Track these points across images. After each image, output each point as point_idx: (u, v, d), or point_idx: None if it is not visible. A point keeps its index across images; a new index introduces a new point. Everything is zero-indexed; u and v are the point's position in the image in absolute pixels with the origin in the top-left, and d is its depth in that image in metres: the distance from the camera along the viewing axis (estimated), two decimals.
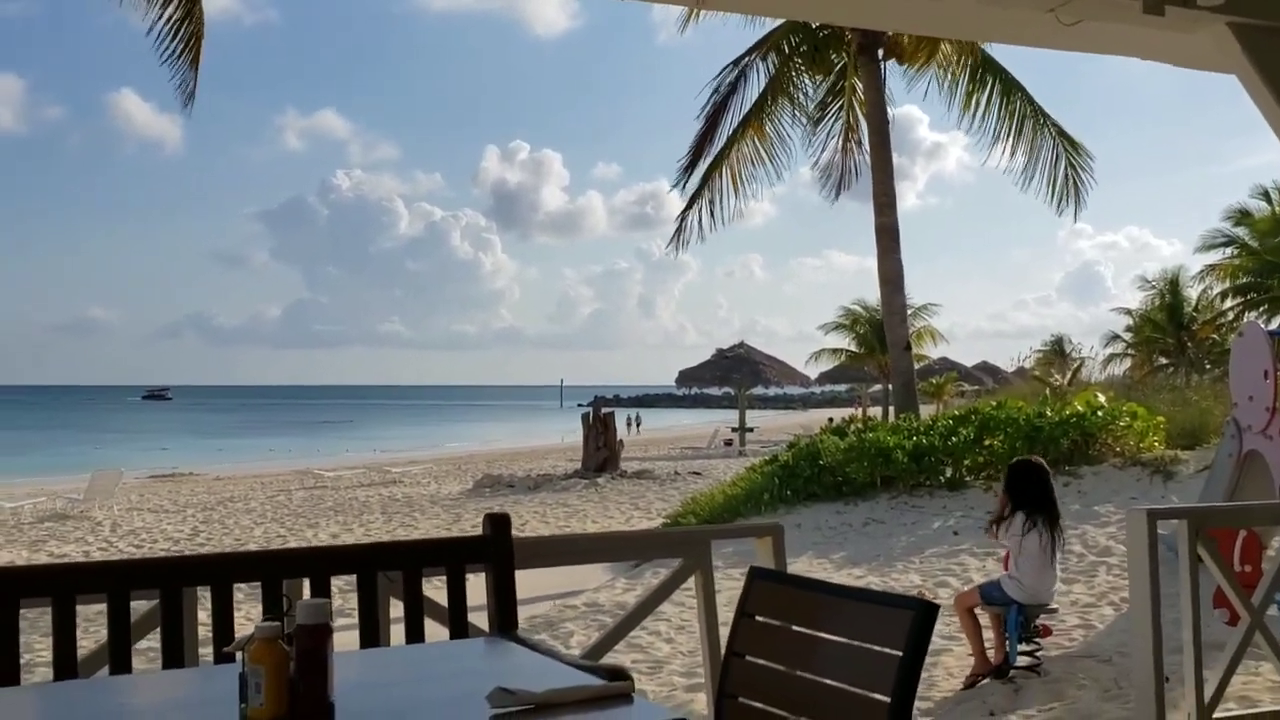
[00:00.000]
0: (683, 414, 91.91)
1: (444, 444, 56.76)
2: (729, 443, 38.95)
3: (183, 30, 12.07)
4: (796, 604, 2.80)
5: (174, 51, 12.10)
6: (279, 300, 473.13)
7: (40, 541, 17.72)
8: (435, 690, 2.53)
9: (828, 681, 2.60)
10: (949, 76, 20.55)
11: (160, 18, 11.94)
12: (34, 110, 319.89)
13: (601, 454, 26.73)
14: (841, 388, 61.02)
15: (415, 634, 3.44)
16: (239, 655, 2.25)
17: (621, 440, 28.63)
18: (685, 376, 41.54)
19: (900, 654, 2.45)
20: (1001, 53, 20.64)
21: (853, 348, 43.93)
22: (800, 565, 11.09)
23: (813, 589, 2.85)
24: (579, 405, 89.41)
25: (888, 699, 2.43)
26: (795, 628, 2.76)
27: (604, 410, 28.09)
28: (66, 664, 3.08)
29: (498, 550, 3.58)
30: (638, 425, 61.74)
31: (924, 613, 2.46)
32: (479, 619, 3.58)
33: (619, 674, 2.61)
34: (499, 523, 3.64)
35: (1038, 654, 6.96)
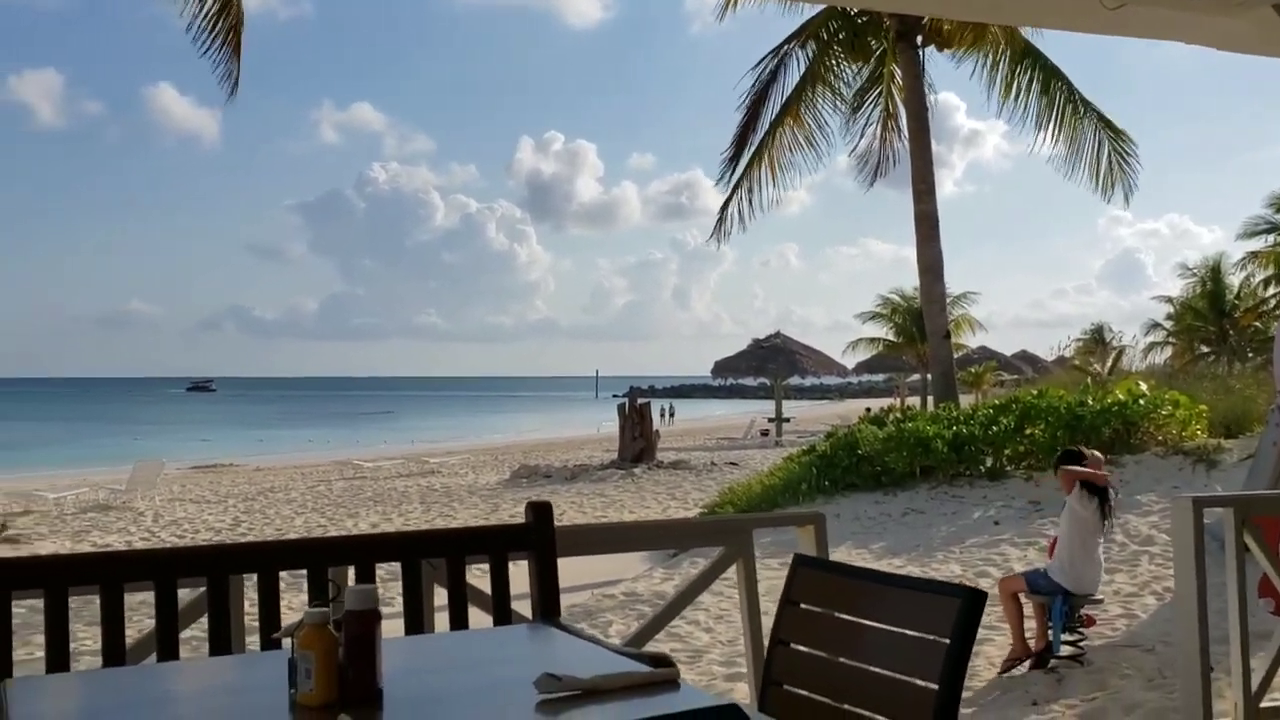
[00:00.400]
0: (718, 404, 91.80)
1: (481, 435, 57.02)
2: (765, 433, 38.87)
3: (221, 23, 12.15)
4: (841, 592, 2.79)
5: (213, 43, 12.19)
6: (317, 293, 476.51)
7: (83, 532, 17.93)
8: (481, 676, 2.54)
9: (873, 669, 2.59)
10: (988, 62, 20.39)
11: (199, 12, 12.05)
12: (73, 104, 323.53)
13: (638, 444, 26.74)
14: (879, 378, 60.73)
15: (459, 621, 3.45)
16: (288, 641, 2.27)
17: (657, 431, 28.61)
18: (721, 367, 41.48)
19: (948, 642, 2.43)
20: (1041, 39, 20.47)
21: (890, 337, 43.72)
22: (839, 555, 11.06)
23: (858, 576, 2.84)
24: (614, 396, 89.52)
25: (935, 687, 2.42)
26: (840, 615, 2.75)
27: (640, 401, 28.06)
28: (115, 651, 3.11)
29: (540, 538, 3.59)
30: (671, 416, 61.75)
31: (972, 600, 2.45)
32: (521, 606, 3.60)
33: (663, 661, 2.61)
34: (541, 511, 3.65)
35: (1081, 643, 6.92)
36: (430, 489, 23.45)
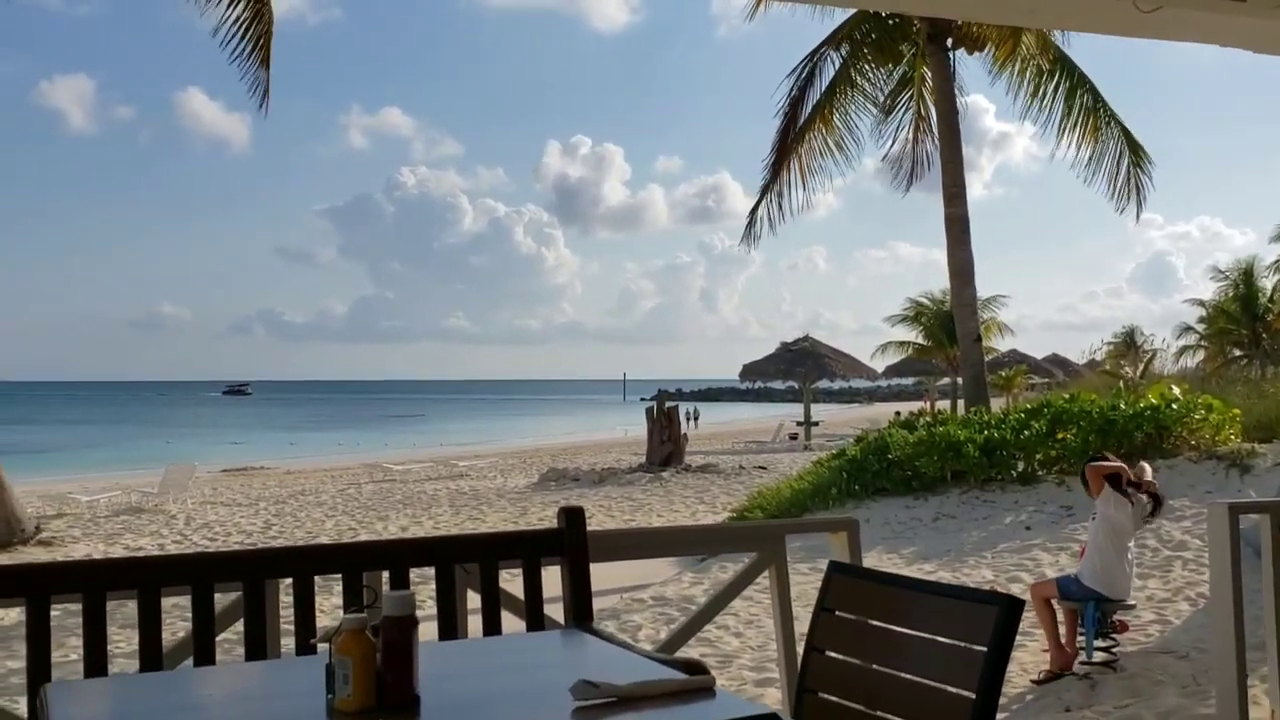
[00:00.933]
0: (746, 408, 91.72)
1: (508, 438, 57.13)
2: (794, 437, 38.79)
3: (251, 30, 12.17)
4: (876, 599, 2.78)
5: (243, 52, 12.21)
6: (346, 296, 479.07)
7: (116, 535, 18.05)
8: (517, 681, 2.55)
9: (909, 677, 2.59)
10: (1017, 65, 20.30)
11: (227, 19, 12.07)
12: (104, 110, 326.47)
13: (666, 448, 26.72)
14: (908, 381, 60.53)
15: (492, 626, 3.46)
16: (324, 646, 2.28)
17: (685, 434, 28.59)
18: (749, 370, 41.40)
19: (985, 650, 2.42)
20: (1069, 44, 20.38)
21: (920, 340, 43.54)
22: (869, 560, 11.00)
23: (893, 584, 2.83)
24: (641, 399, 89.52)
25: (972, 695, 2.41)
26: (875, 623, 2.75)
27: (667, 404, 28.05)
28: (152, 655, 3.14)
29: (573, 543, 3.59)
30: (695, 420, 61.62)
31: (1009, 608, 2.44)
32: (552, 611, 3.60)
33: (696, 667, 2.61)
34: (573, 516, 3.65)
35: (1114, 650, 6.87)
36: (459, 492, 23.50)
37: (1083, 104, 20.21)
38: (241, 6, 11.99)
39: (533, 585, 3.56)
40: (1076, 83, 20.18)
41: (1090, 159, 20.45)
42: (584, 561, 3.60)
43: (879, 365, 45.05)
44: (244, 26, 12.12)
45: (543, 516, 18.10)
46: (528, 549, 3.62)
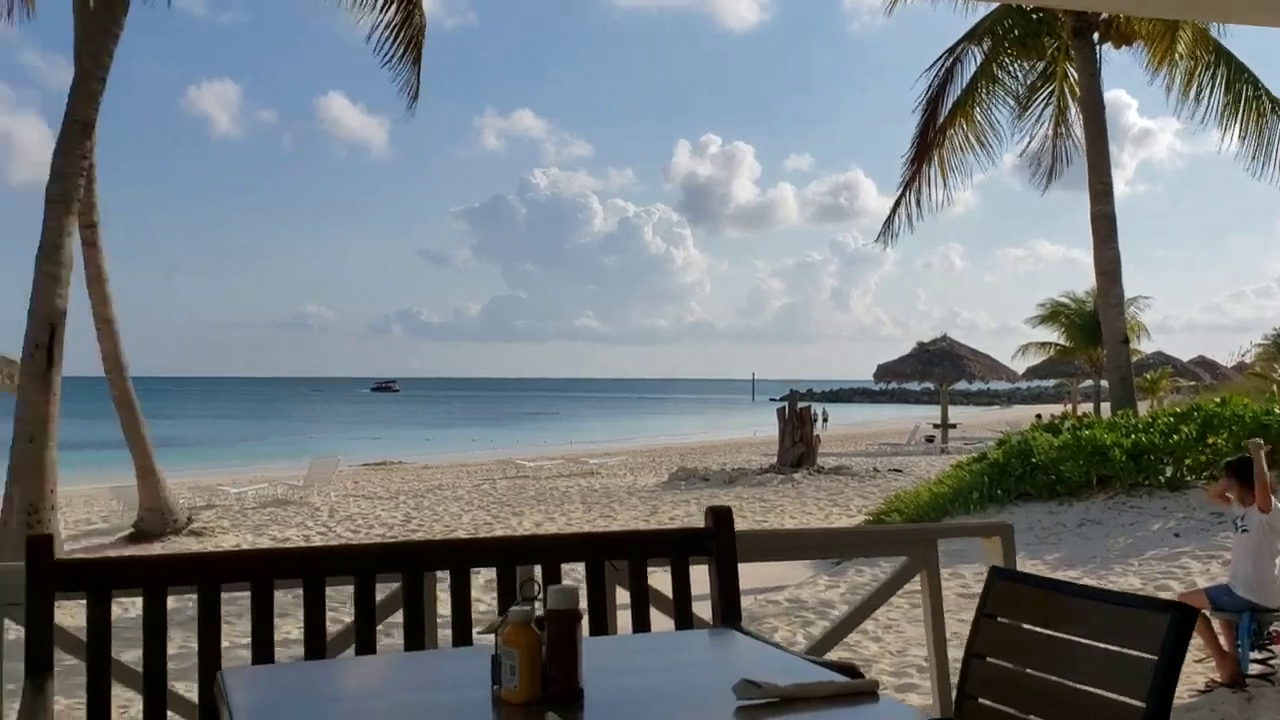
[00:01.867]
0: (878, 409, 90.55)
1: (637, 436, 57.36)
2: (930, 439, 38.15)
3: (402, 33, 12.54)
4: (1040, 605, 2.72)
5: (395, 54, 12.59)
6: (480, 296, 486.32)
7: (263, 526, 18.66)
8: (676, 679, 2.56)
9: (1075, 685, 2.53)
10: (1170, 58, 19.63)
11: (380, 23, 12.47)
12: (248, 115, 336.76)
13: (798, 449, 26.55)
14: (1049, 383, 58.92)
15: (641, 622, 3.49)
16: (492, 638, 2.32)
17: (818, 435, 28.36)
18: (884, 371, 40.84)
19: (1154, 659, 2.36)
20: (1225, 35, 19.63)
21: (1062, 341, 42.42)
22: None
23: (1057, 589, 2.77)
24: (770, 399, 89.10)
25: (1141, 704, 2.35)
26: (1039, 630, 2.69)
27: (800, 405, 27.87)
28: (316, 643, 3.24)
29: (721, 543, 3.61)
30: (824, 421, 61.04)
31: (1182, 617, 2.37)
32: (698, 609, 3.62)
33: (853, 672, 2.59)
34: (722, 516, 3.67)
35: (1271, 662, 6.61)
36: (590, 489, 23.71)
37: (1243, 94, 19.45)
38: (393, 10, 12.37)
39: (681, 583, 3.58)
40: (1235, 73, 19.44)
41: (1257, 150, 19.66)
42: (732, 561, 3.61)
43: (1019, 366, 44.04)
44: (395, 30, 12.51)
45: (673, 515, 18.14)
46: (676, 548, 3.64)
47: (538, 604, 2.34)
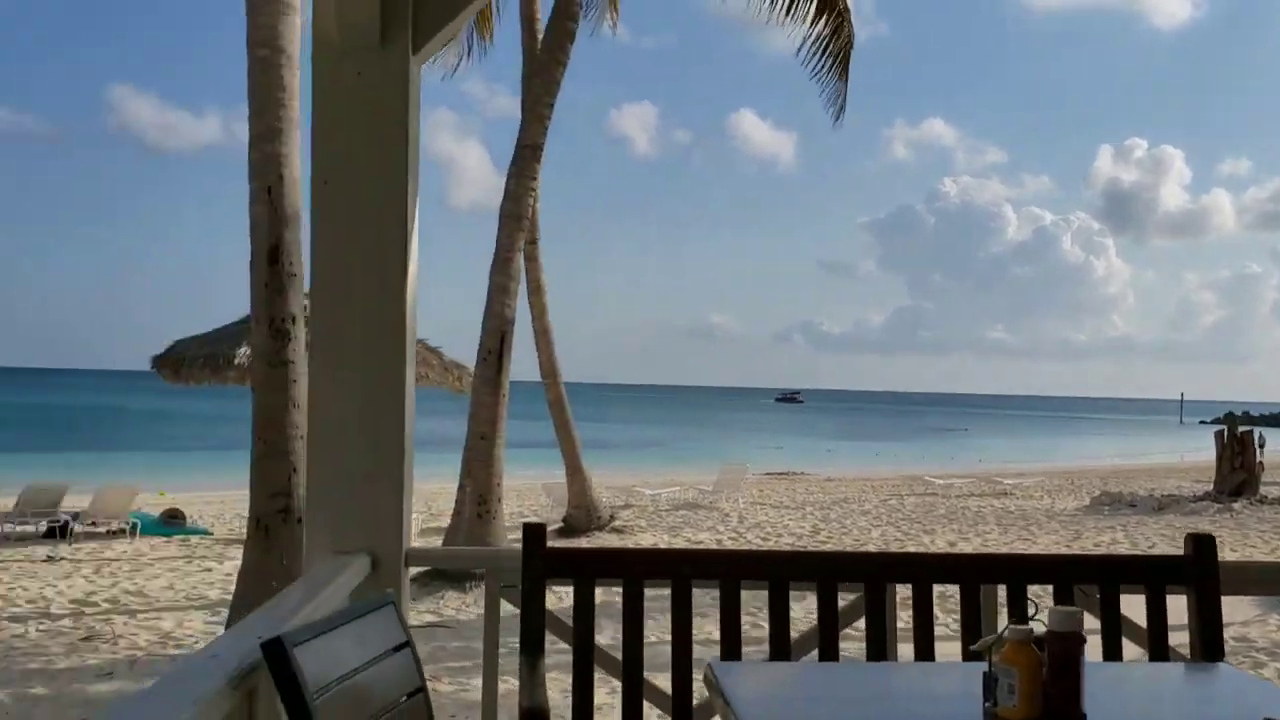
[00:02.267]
0: None
1: (1052, 457, 54.92)
2: None
3: (831, 45, 12.71)
4: None
5: (824, 67, 12.78)
6: (883, 307, 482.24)
7: (677, 527, 19.37)
8: (1181, 710, 2.43)
9: None
10: None
11: (810, 36, 12.67)
12: (664, 134, 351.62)
13: (1237, 476, 24.50)
14: None
15: (1112, 651, 3.35)
16: (980, 657, 2.29)
17: (1261, 462, 26.01)
18: None
19: None
20: None
21: None
22: None
23: None
24: (1201, 422, 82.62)
25: None
26: None
27: (1241, 429, 25.69)
28: (781, 644, 3.32)
29: (1201, 572, 3.40)
30: (1261, 447, 55.76)
31: None
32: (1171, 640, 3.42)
33: None
34: (1203, 544, 3.46)
35: None
36: (1005, 510, 22.91)
37: None
38: (824, 23, 12.55)
39: (1157, 613, 3.41)
40: None
41: None
42: (1214, 592, 3.40)
43: None
44: (825, 43, 12.69)
45: (1098, 542, 17.19)
46: (1149, 574, 3.47)
47: (1034, 623, 2.29)
